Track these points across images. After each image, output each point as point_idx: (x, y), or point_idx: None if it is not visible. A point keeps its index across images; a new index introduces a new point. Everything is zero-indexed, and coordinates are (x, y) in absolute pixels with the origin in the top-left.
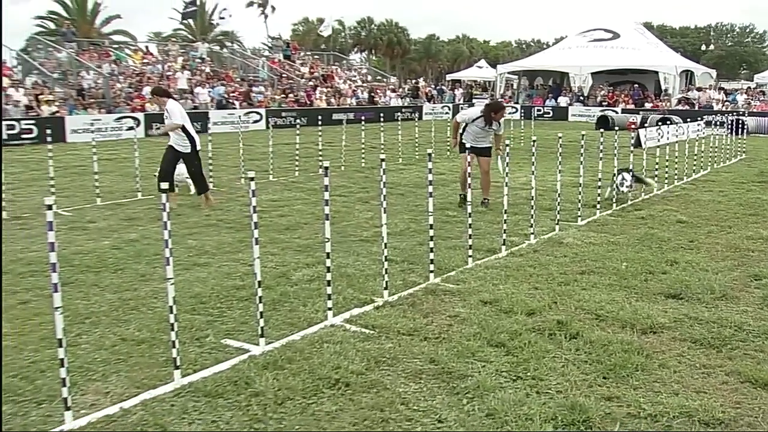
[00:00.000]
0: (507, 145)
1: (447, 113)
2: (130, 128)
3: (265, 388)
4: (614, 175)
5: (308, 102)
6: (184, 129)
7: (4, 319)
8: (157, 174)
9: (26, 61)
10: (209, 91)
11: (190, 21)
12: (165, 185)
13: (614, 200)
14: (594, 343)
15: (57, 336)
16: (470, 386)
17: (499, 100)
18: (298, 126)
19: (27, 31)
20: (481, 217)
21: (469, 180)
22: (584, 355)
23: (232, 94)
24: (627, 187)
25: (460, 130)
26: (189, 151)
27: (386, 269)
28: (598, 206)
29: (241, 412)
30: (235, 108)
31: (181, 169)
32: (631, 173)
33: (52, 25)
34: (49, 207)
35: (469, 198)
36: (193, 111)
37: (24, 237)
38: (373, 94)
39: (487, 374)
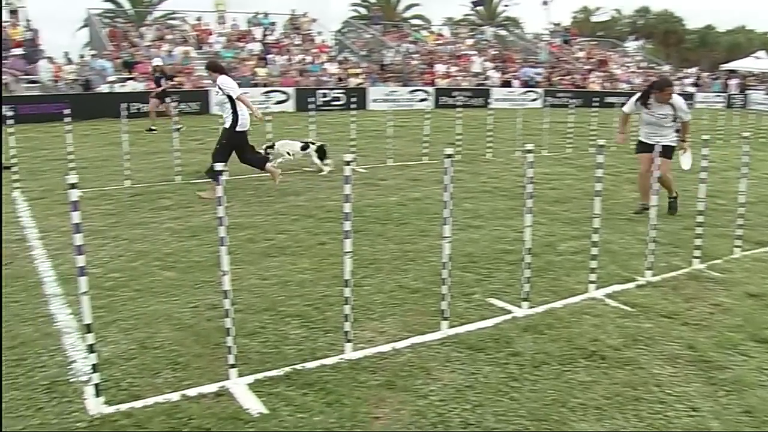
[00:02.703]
0: None
1: (721, 102)
2: (422, 100)
3: (524, 350)
4: None
5: (583, 85)
6: (233, 103)
7: (306, 255)
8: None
9: (340, 41)
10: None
11: (480, 8)
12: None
13: None
14: None
15: (345, 276)
16: (728, 379)
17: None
18: (572, 106)
19: (344, 15)
20: (752, 207)
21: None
22: None
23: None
24: None
25: (641, 126)
26: (227, 125)
27: (651, 250)
28: None
29: (499, 368)
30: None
31: (294, 146)
32: None
33: (363, 11)
34: (347, 163)
35: (653, 202)
36: (477, 88)
37: (327, 188)
38: None
39: (748, 369)
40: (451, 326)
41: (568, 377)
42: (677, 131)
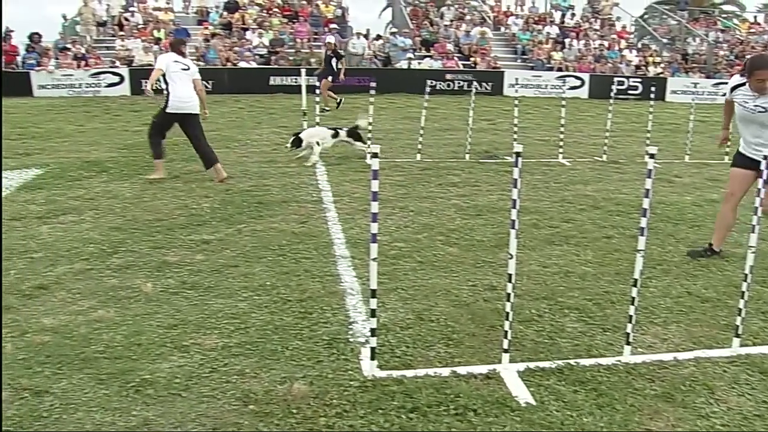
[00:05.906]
0: None
1: None
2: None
3: None
4: None
5: None
6: (166, 82)
7: (590, 247)
8: None
9: (642, 26)
10: None
11: None
12: None
13: None
14: None
15: (634, 276)
16: None
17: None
18: None
19: (648, 0)
20: None
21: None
22: None
23: None
24: None
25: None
26: (162, 107)
27: None
28: None
29: None
30: None
31: (322, 133)
32: None
33: None
34: (652, 156)
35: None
36: None
37: (617, 180)
38: None
39: None
40: (743, 345)
41: None
42: None
